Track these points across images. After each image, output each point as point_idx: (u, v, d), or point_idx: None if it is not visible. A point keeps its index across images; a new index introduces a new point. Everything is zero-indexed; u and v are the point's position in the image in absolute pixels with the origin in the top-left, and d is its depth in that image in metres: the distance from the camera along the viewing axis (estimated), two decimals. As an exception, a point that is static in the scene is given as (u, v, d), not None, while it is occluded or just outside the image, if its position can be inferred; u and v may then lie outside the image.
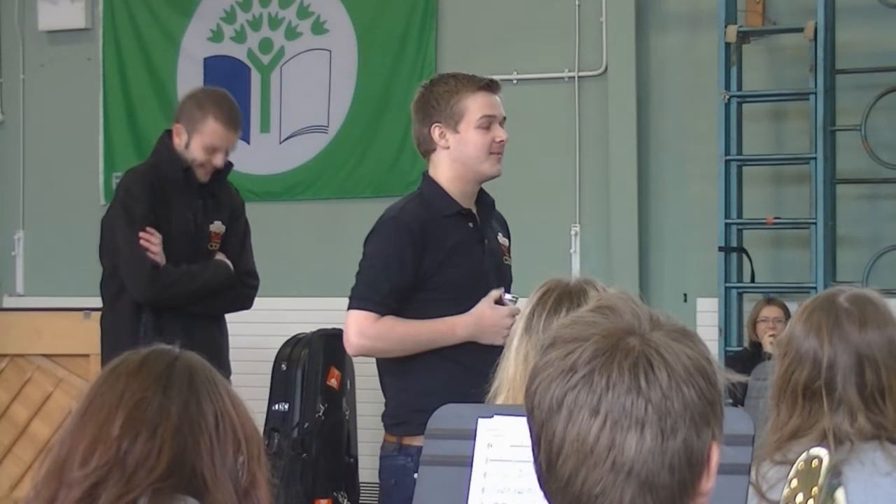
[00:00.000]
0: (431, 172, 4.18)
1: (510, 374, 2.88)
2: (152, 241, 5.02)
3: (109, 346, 5.12)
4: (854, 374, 2.75)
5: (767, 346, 6.93)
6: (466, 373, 3.87)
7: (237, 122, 5.21)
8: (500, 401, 2.81)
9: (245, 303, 5.35)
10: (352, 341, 4.04)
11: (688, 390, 1.58)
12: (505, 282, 4.25)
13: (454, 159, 4.12)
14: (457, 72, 4.26)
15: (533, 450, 1.63)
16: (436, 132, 4.11)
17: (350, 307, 4.06)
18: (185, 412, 2.04)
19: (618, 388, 1.56)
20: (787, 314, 6.98)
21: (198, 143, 5.09)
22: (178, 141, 5.10)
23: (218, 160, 5.13)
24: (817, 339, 2.77)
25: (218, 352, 5.10)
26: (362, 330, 4.01)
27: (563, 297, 2.89)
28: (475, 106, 4.11)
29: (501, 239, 4.30)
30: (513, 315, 3.92)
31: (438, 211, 4.11)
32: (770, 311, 7.07)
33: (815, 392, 2.76)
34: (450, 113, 4.09)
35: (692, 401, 1.58)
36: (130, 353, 2.12)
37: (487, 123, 4.12)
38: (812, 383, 2.76)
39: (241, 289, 5.29)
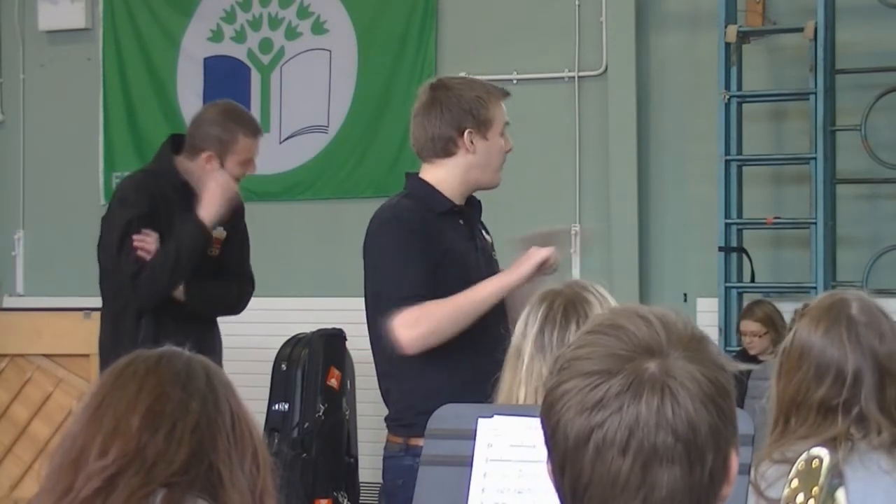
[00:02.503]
0: (425, 174, 4.18)
1: (521, 397, 2.86)
2: (146, 241, 4.99)
3: (108, 340, 5.12)
4: (876, 389, 2.72)
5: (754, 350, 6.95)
6: (473, 374, 3.86)
7: (260, 128, 5.25)
8: None
9: (238, 305, 5.34)
10: (403, 340, 3.96)
11: (710, 417, 1.58)
12: None
13: (474, 165, 4.13)
14: (467, 77, 4.30)
15: (554, 472, 1.63)
16: (466, 137, 4.11)
17: (390, 322, 4.01)
18: (203, 409, 2.07)
19: (647, 426, 1.56)
20: (770, 323, 6.94)
21: (233, 162, 5.07)
22: (210, 167, 5.07)
23: (251, 167, 5.16)
24: (839, 352, 2.72)
25: (211, 355, 5.09)
26: (406, 323, 3.97)
27: (568, 308, 2.88)
28: (500, 114, 4.18)
29: (486, 236, 4.33)
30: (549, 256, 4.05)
31: (431, 209, 4.11)
32: (747, 326, 7.06)
33: (831, 408, 2.72)
34: (482, 120, 4.12)
35: (715, 425, 1.58)
36: (143, 351, 2.15)
37: (504, 131, 4.19)
38: (830, 400, 2.72)
39: (240, 289, 5.28)
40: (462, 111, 4.12)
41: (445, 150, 4.13)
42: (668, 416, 1.56)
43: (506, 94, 4.25)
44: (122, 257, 4.97)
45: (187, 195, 5.09)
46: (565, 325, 2.85)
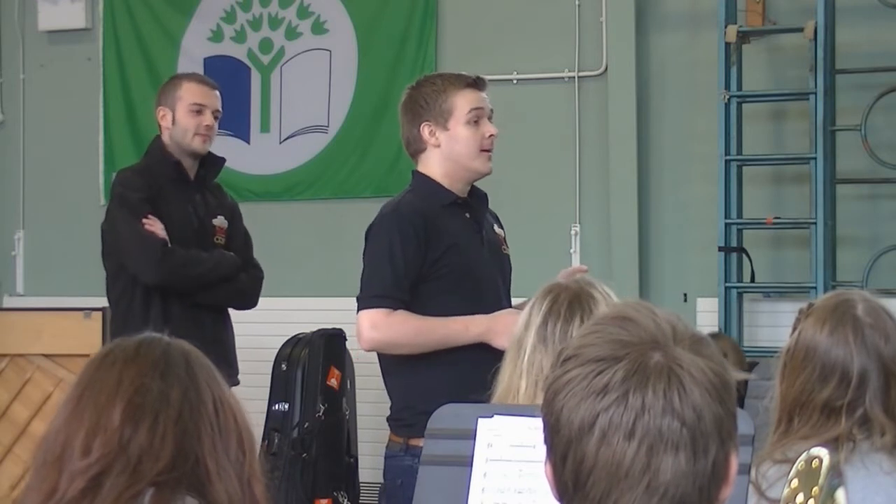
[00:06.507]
0: (422, 170, 4.21)
1: (521, 389, 2.85)
2: (156, 226, 5.05)
3: (119, 334, 5.15)
4: (881, 391, 2.72)
5: None
6: (473, 376, 3.87)
7: (210, 81, 5.32)
8: None
9: (252, 295, 5.36)
10: (364, 335, 4.02)
11: (716, 407, 1.59)
12: (505, 271, 4.26)
13: (445, 157, 4.15)
14: (441, 72, 4.31)
15: (554, 465, 1.62)
16: (425, 131, 4.13)
17: (359, 308, 4.05)
18: (184, 398, 2.01)
19: (653, 410, 1.56)
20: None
21: (182, 111, 5.17)
22: (166, 125, 5.17)
23: (207, 119, 5.18)
24: (845, 353, 2.71)
25: (225, 350, 5.13)
26: (374, 323, 4.00)
27: (573, 303, 2.88)
28: (463, 102, 4.15)
29: (497, 229, 4.32)
30: None
31: (435, 202, 4.12)
32: None
33: (834, 409, 2.72)
34: (439, 111, 4.12)
35: (720, 417, 1.59)
36: (122, 339, 2.09)
37: (476, 118, 4.15)
38: (835, 401, 2.71)
39: (250, 276, 5.32)
40: (417, 106, 4.15)
41: (417, 147, 4.18)
42: (675, 402, 1.57)
43: (473, 81, 4.20)
44: (139, 231, 5.00)
45: (181, 172, 5.20)
46: (569, 318, 2.84)
